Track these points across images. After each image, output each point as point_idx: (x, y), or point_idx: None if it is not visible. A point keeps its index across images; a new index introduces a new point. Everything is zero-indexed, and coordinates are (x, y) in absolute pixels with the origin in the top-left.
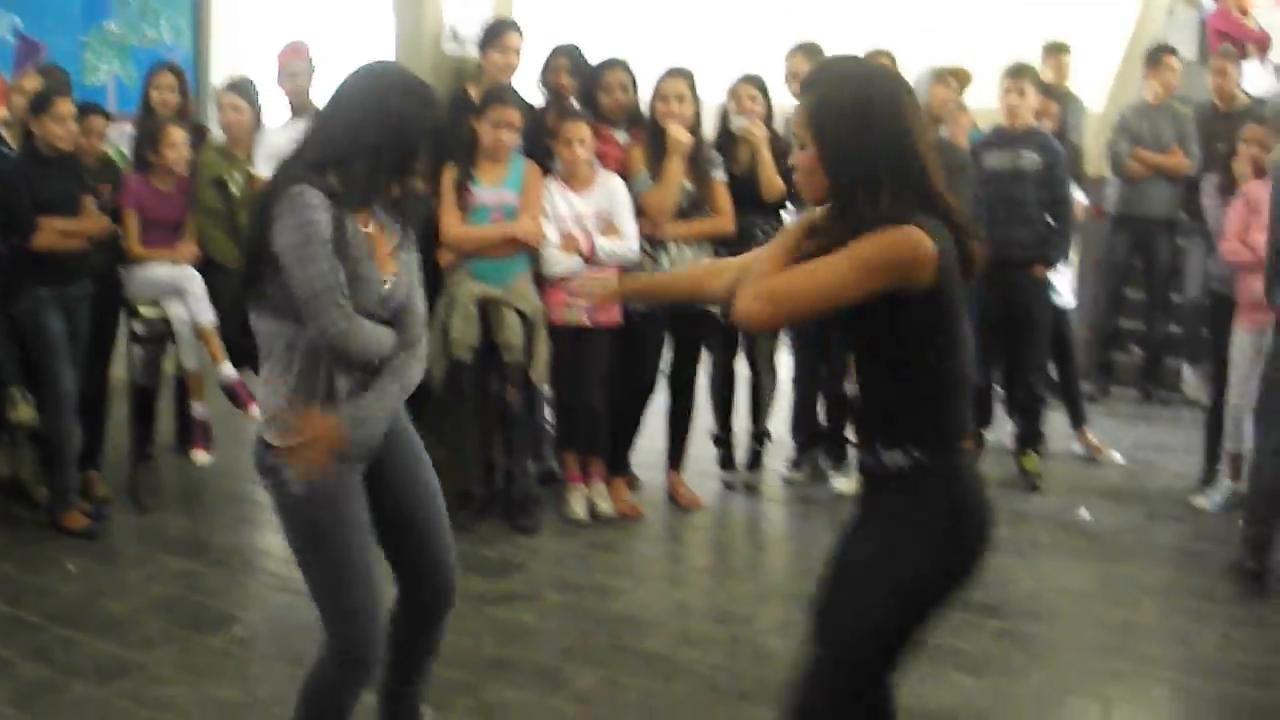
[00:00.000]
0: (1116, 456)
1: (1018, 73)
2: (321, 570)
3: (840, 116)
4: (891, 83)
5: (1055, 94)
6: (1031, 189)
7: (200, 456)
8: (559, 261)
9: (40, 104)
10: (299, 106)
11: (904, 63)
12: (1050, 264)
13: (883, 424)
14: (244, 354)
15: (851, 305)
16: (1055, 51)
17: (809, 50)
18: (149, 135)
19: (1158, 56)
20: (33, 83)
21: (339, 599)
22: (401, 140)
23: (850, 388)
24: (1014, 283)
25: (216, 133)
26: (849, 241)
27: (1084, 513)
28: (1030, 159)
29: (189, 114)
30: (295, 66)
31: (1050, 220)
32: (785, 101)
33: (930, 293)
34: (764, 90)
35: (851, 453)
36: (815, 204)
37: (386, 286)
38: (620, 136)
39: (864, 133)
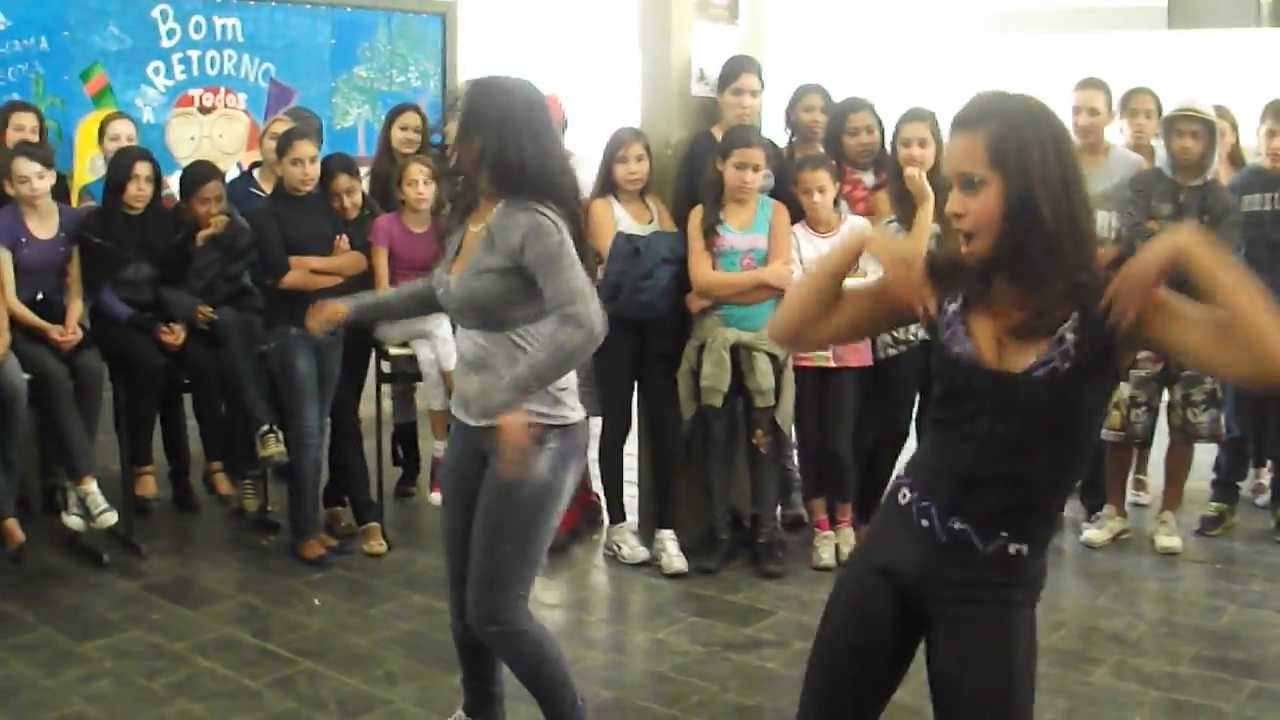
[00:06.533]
0: None
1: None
2: (529, 548)
3: (1043, 151)
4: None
5: None
6: None
7: (437, 497)
8: None
9: (281, 147)
10: None
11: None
12: None
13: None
14: None
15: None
16: None
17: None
18: (395, 174)
19: None
20: (282, 126)
21: (526, 579)
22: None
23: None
24: None
25: None
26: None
27: None
28: None
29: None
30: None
31: None
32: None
33: None
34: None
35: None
36: (984, 260)
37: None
38: (867, 178)
39: (1066, 171)
